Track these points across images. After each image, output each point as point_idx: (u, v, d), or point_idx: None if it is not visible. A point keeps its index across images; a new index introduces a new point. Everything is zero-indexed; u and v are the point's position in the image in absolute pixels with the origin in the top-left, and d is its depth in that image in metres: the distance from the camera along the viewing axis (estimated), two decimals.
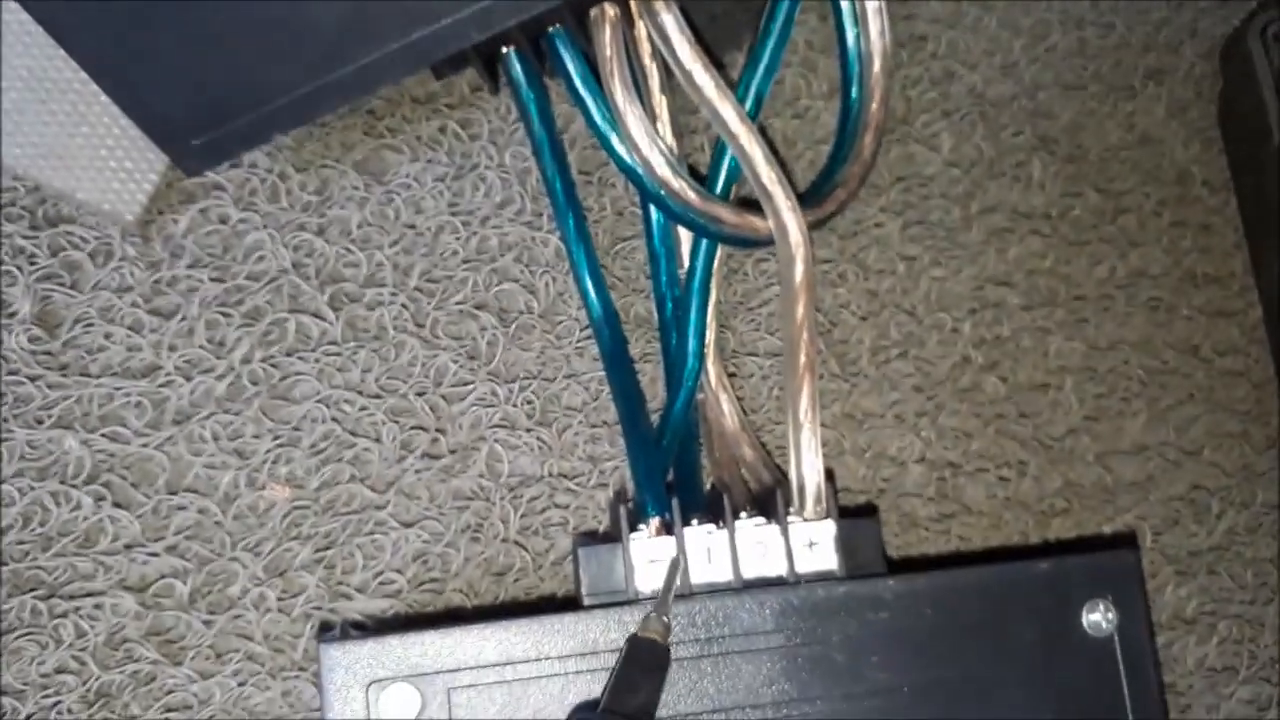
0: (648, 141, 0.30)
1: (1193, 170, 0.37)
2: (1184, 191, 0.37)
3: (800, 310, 0.30)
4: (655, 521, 0.30)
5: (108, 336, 0.32)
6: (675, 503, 0.29)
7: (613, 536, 0.31)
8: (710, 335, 0.32)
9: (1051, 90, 0.37)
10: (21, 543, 0.31)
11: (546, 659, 0.27)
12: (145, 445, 0.32)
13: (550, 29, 0.30)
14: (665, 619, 0.27)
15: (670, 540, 0.29)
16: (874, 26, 0.32)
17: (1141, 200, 0.37)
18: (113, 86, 0.30)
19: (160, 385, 0.32)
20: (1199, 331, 0.36)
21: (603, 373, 0.33)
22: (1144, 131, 0.37)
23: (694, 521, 0.29)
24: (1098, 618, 0.29)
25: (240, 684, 0.31)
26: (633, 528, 0.30)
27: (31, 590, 0.31)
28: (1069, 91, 0.37)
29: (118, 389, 0.32)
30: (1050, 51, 0.37)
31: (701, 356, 0.32)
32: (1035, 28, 0.37)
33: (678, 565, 0.29)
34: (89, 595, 0.31)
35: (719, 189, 0.32)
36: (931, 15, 0.37)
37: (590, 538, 0.32)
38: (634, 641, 0.27)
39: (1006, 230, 0.36)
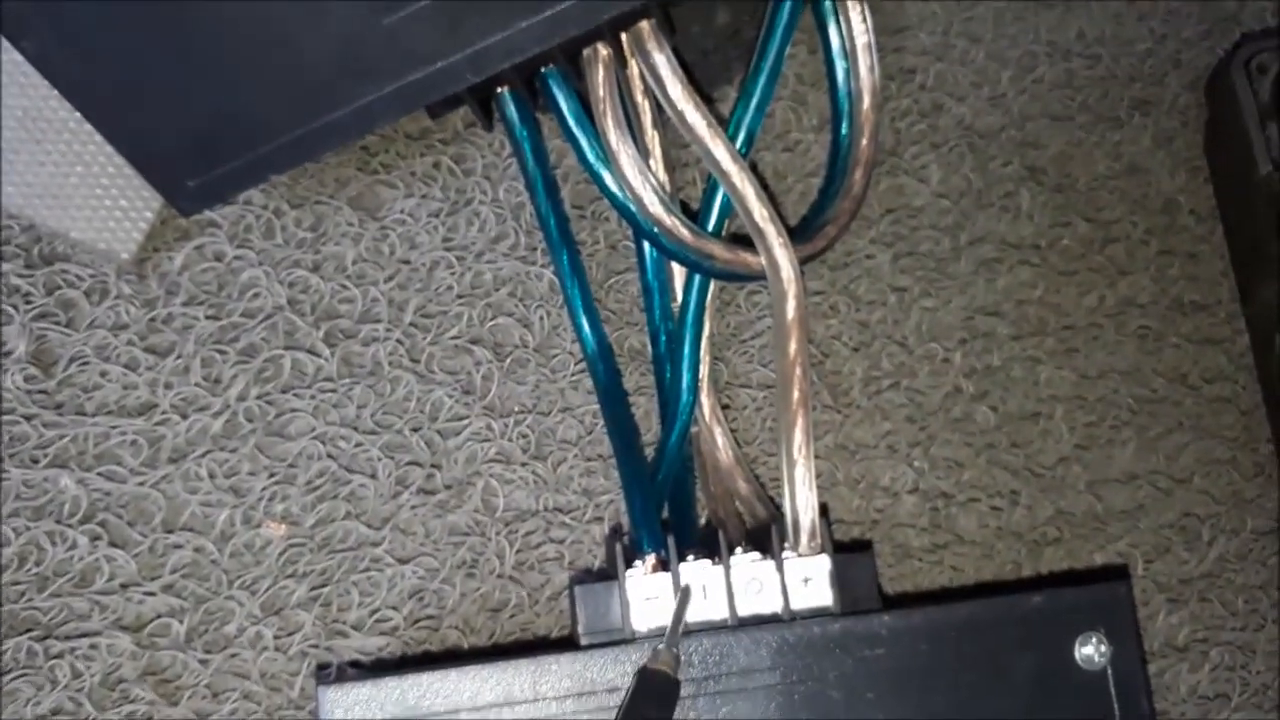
0: (640, 180, 0.30)
1: (1179, 199, 0.38)
2: (1171, 220, 0.38)
3: (793, 346, 0.30)
4: (651, 558, 0.30)
5: (103, 375, 0.32)
6: (671, 540, 0.29)
7: (608, 573, 0.31)
8: (704, 369, 0.32)
9: (1039, 121, 0.37)
10: (17, 583, 0.31)
11: (544, 699, 0.28)
12: (141, 484, 0.32)
13: (543, 69, 0.30)
14: (675, 651, 0.28)
15: (666, 577, 0.29)
16: (863, 62, 0.32)
17: (1129, 229, 0.37)
18: (107, 128, 0.30)
19: (156, 423, 0.32)
20: (1187, 359, 0.37)
21: (597, 406, 0.33)
22: (1131, 161, 0.38)
23: (689, 557, 0.30)
24: (1090, 651, 0.29)
25: None
26: (628, 564, 0.30)
27: (27, 631, 0.31)
28: (1056, 122, 0.37)
29: (113, 427, 0.32)
30: (1038, 83, 0.37)
31: (695, 390, 0.32)
32: (1023, 60, 0.38)
33: (688, 594, 0.29)
34: (85, 635, 0.31)
35: (711, 225, 0.32)
36: (920, 48, 0.37)
37: (586, 574, 0.33)
38: (644, 674, 0.27)
39: (996, 260, 0.36)
